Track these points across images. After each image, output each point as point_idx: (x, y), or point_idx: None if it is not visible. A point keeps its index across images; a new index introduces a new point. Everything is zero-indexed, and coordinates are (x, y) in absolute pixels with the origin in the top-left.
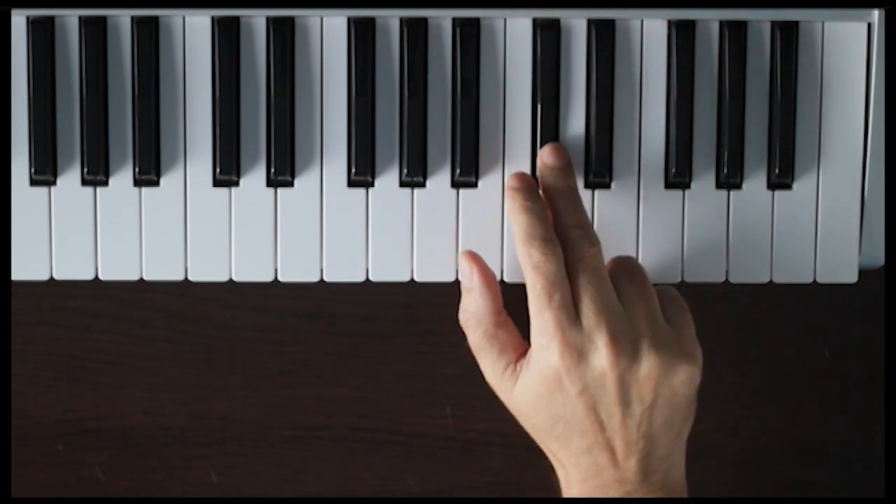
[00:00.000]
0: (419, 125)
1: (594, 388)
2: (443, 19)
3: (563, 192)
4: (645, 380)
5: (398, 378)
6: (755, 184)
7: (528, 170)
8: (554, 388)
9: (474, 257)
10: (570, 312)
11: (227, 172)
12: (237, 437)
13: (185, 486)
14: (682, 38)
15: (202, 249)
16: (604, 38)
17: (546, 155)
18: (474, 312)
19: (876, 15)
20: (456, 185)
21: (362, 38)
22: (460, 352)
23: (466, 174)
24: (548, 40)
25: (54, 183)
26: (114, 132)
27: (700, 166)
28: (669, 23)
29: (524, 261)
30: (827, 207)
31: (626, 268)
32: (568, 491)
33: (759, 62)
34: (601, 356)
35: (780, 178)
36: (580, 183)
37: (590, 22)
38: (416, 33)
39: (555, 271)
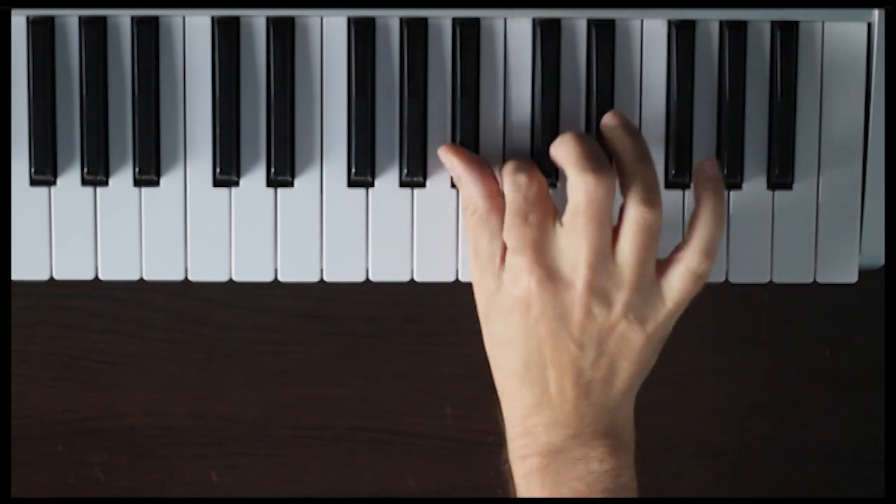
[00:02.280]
0: (419, 125)
1: (555, 318)
2: (443, 19)
3: (579, 136)
4: (608, 329)
5: (398, 378)
6: (755, 184)
7: None
8: (516, 307)
9: (452, 148)
10: (547, 234)
11: (227, 172)
12: (237, 437)
13: (185, 486)
14: (682, 38)
15: (202, 249)
16: (604, 38)
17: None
18: (469, 198)
19: (876, 15)
20: (456, 185)
21: (362, 38)
22: (460, 352)
23: None
24: (548, 40)
25: (54, 183)
26: (114, 132)
27: None
28: (669, 23)
29: (507, 183)
30: (827, 207)
31: (634, 223)
32: (510, 428)
33: (759, 62)
34: (574, 290)
35: (780, 178)
36: None
37: (590, 22)
38: (416, 33)
39: (535, 193)
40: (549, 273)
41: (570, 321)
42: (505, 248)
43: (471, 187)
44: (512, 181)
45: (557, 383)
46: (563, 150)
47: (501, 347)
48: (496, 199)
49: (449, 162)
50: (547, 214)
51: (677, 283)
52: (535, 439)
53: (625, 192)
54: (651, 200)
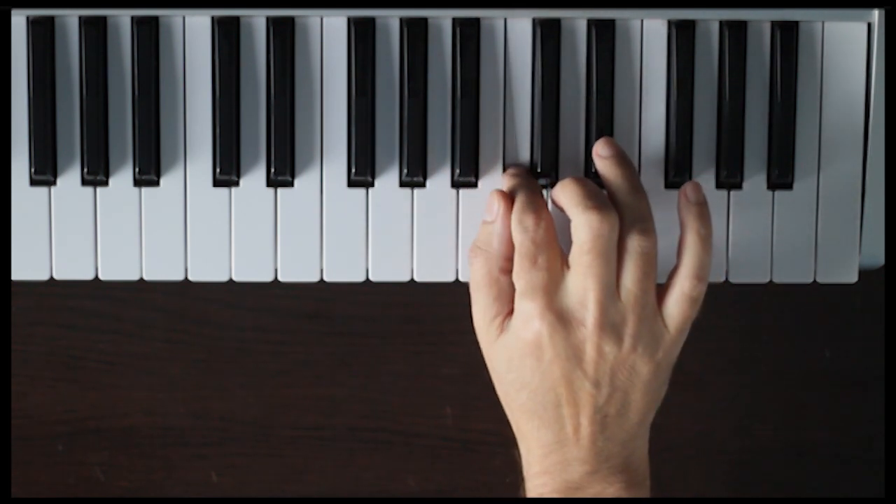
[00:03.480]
0: (419, 125)
1: (568, 359)
2: (443, 19)
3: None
4: (618, 365)
5: (398, 378)
6: (755, 184)
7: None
8: (529, 352)
9: (505, 196)
10: (556, 276)
11: (227, 172)
12: (237, 437)
13: (185, 486)
14: (682, 38)
15: (202, 249)
16: (604, 38)
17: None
18: (485, 249)
19: (876, 15)
20: (456, 185)
21: (362, 38)
22: (460, 352)
23: (466, 174)
24: (548, 40)
25: (54, 183)
26: (114, 132)
27: (700, 166)
28: (669, 23)
29: (516, 226)
30: (827, 207)
31: (635, 253)
32: (527, 467)
33: (759, 62)
34: (584, 328)
35: (780, 178)
36: None
37: (590, 22)
38: (416, 33)
39: (543, 235)
40: (559, 316)
41: (584, 360)
42: (511, 309)
43: (496, 242)
44: (520, 223)
45: (574, 421)
46: (565, 194)
47: (517, 393)
48: (511, 263)
49: (496, 204)
50: (554, 256)
51: (675, 309)
52: (554, 478)
53: (620, 224)
54: (646, 229)
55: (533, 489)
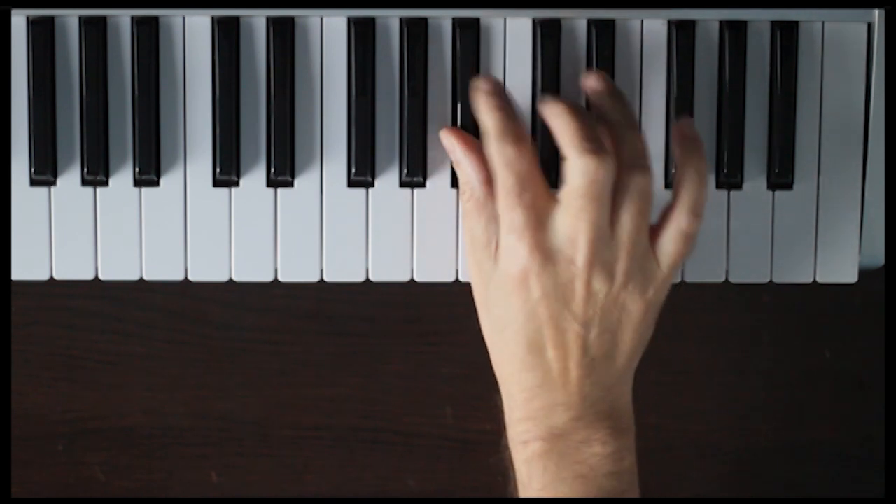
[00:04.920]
0: (419, 125)
1: (557, 296)
2: (443, 19)
3: (575, 109)
4: (609, 305)
5: (398, 378)
6: (755, 184)
7: None
8: (515, 289)
9: (454, 131)
10: (543, 213)
11: (227, 172)
12: (237, 437)
13: (185, 486)
14: (682, 38)
15: (202, 249)
16: (604, 38)
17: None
18: (466, 182)
19: (876, 15)
20: (456, 185)
21: (362, 38)
22: (460, 352)
23: None
24: (548, 40)
25: (54, 183)
26: (114, 132)
27: None
28: (669, 23)
29: (496, 158)
30: (827, 207)
31: (631, 191)
32: (509, 413)
33: (759, 62)
34: (573, 265)
35: (780, 178)
36: None
37: (590, 22)
38: (416, 33)
39: (527, 168)
40: (547, 254)
41: (573, 300)
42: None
43: (469, 171)
44: (501, 155)
45: (561, 364)
46: (560, 128)
47: (501, 332)
48: (494, 184)
49: (450, 144)
50: (540, 190)
51: (669, 246)
52: (538, 423)
53: (616, 158)
54: (643, 166)
55: (515, 437)
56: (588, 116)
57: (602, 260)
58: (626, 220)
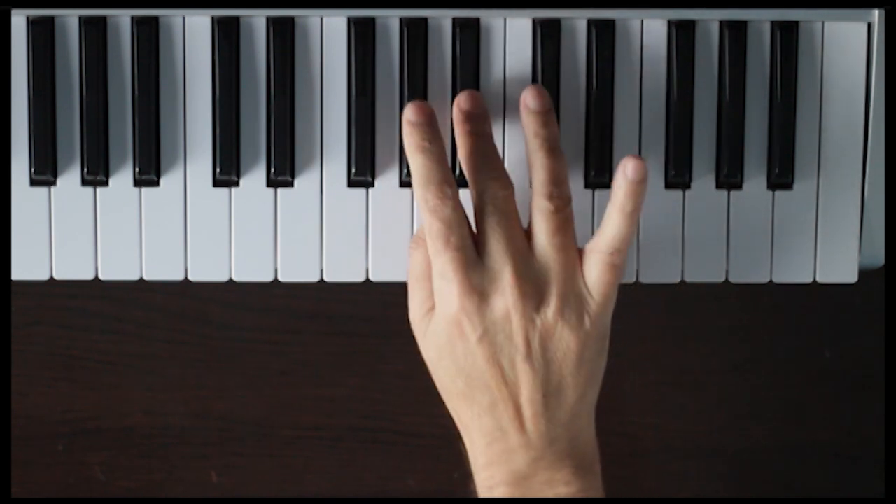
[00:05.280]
0: None
1: (496, 334)
2: (443, 19)
3: (479, 136)
4: (547, 331)
5: (398, 378)
6: (755, 184)
7: (527, 171)
8: (455, 335)
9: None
10: (470, 254)
11: (227, 172)
12: (237, 437)
13: (185, 486)
14: (682, 38)
15: (202, 249)
16: (604, 38)
17: (463, 101)
18: (424, 238)
19: (876, 15)
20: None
21: (362, 38)
22: None
23: None
24: (548, 40)
25: (54, 183)
26: (114, 132)
27: (700, 166)
28: (669, 23)
29: (420, 204)
30: (827, 207)
31: (542, 209)
32: (474, 460)
33: (759, 62)
34: (505, 297)
35: (780, 178)
36: (581, 183)
37: (590, 22)
38: (416, 33)
39: (451, 214)
40: (479, 292)
41: (512, 333)
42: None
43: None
44: (425, 203)
45: (512, 403)
46: (462, 152)
47: (453, 381)
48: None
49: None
50: (465, 232)
51: (595, 272)
52: (500, 468)
53: (535, 182)
54: (549, 193)
55: (481, 483)
56: (488, 140)
57: (531, 283)
58: (544, 238)
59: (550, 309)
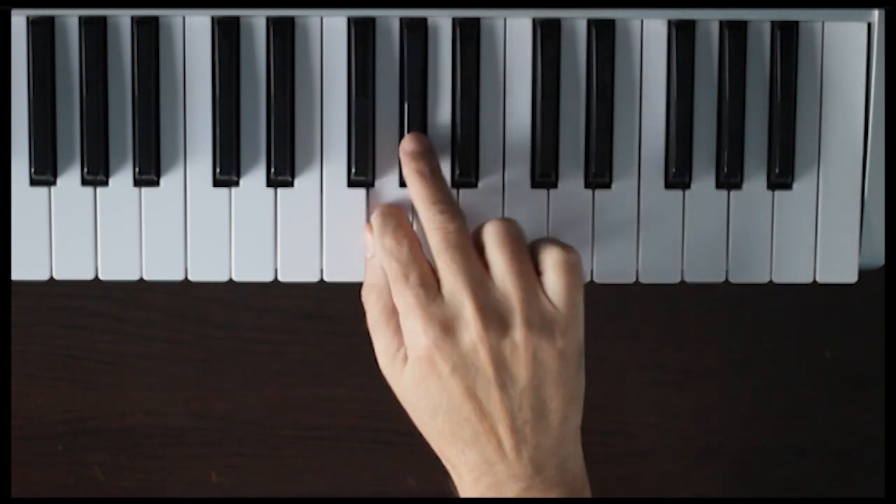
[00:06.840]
0: (419, 125)
1: (467, 366)
2: (443, 19)
3: (425, 173)
4: (518, 356)
5: None
6: (755, 184)
7: (528, 171)
8: (428, 372)
9: (368, 230)
10: (431, 289)
11: (227, 172)
12: (237, 437)
13: (185, 486)
14: (682, 38)
15: (202, 249)
16: (604, 38)
17: (407, 144)
18: (375, 285)
19: (876, 15)
20: (455, 185)
21: (362, 38)
22: None
23: (466, 174)
24: (548, 40)
25: (54, 183)
26: (114, 132)
27: (700, 166)
28: (669, 23)
29: (378, 249)
30: (827, 207)
31: (494, 236)
32: (464, 496)
33: (759, 62)
34: (469, 329)
35: (780, 178)
36: (580, 182)
37: (590, 22)
38: (416, 33)
39: (407, 253)
40: (443, 326)
41: (482, 365)
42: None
43: (382, 274)
44: (382, 247)
45: (493, 434)
46: (413, 189)
47: (433, 419)
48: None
49: (370, 240)
50: (424, 270)
51: (554, 279)
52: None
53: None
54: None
55: None
56: (436, 175)
57: (493, 311)
58: (499, 262)
59: (518, 334)
